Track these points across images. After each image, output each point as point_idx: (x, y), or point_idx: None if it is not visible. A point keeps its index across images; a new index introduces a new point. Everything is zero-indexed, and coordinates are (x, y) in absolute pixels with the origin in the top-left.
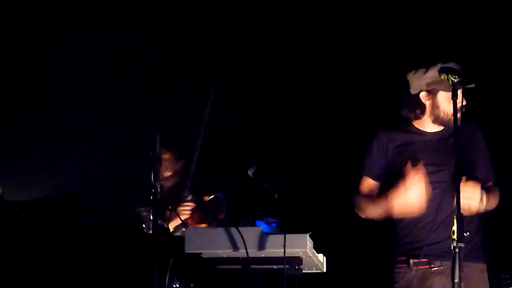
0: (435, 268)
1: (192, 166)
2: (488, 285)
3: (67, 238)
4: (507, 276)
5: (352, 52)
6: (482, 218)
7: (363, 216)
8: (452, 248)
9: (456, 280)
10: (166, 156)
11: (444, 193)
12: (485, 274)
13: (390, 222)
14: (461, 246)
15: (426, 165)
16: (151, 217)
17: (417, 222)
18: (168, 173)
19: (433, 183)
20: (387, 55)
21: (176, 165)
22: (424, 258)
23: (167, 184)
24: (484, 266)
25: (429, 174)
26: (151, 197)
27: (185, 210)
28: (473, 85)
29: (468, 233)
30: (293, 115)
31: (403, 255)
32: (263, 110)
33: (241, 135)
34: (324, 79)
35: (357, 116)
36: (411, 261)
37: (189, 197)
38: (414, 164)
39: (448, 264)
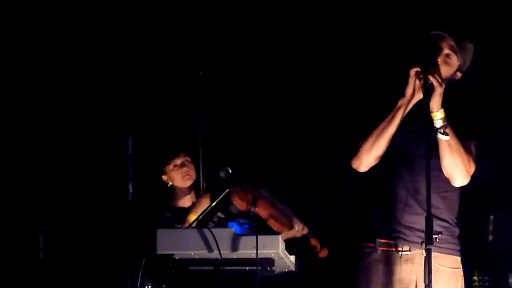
0: (402, 253)
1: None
2: (462, 280)
3: (40, 239)
4: (480, 277)
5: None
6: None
7: (360, 161)
8: (422, 239)
9: (426, 283)
10: (188, 160)
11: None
12: (458, 270)
13: (364, 200)
14: (429, 248)
15: (407, 132)
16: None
17: (392, 199)
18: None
19: (413, 156)
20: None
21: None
22: (390, 240)
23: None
24: (459, 259)
25: (410, 143)
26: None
27: None
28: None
29: (440, 235)
30: (265, 112)
31: (370, 234)
32: (235, 110)
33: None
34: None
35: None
36: (377, 240)
37: None
38: None
39: (417, 252)
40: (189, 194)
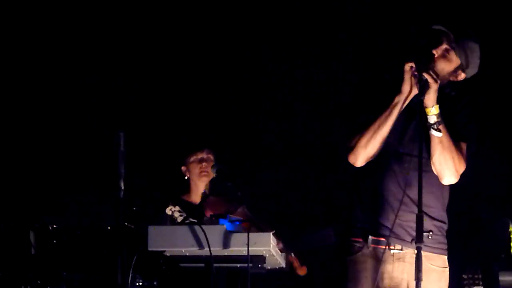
0: (394, 251)
1: None
2: (448, 279)
3: (31, 236)
4: (470, 276)
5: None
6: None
7: (356, 156)
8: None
9: (416, 280)
10: (210, 157)
11: (417, 167)
12: (447, 269)
13: (355, 193)
14: (420, 246)
15: (400, 129)
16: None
17: (385, 196)
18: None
19: (406, 153)
20: None
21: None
22: (383, 237)
23: None
24: (446, 259)
25: (403, 141)
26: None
27: None
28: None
29: (431, 232)
30: (259, 115)
31: (362, 229)
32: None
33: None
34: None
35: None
36: (370, 237)
37: None
38: None
39: (408, 251)
40: (203, 191)
